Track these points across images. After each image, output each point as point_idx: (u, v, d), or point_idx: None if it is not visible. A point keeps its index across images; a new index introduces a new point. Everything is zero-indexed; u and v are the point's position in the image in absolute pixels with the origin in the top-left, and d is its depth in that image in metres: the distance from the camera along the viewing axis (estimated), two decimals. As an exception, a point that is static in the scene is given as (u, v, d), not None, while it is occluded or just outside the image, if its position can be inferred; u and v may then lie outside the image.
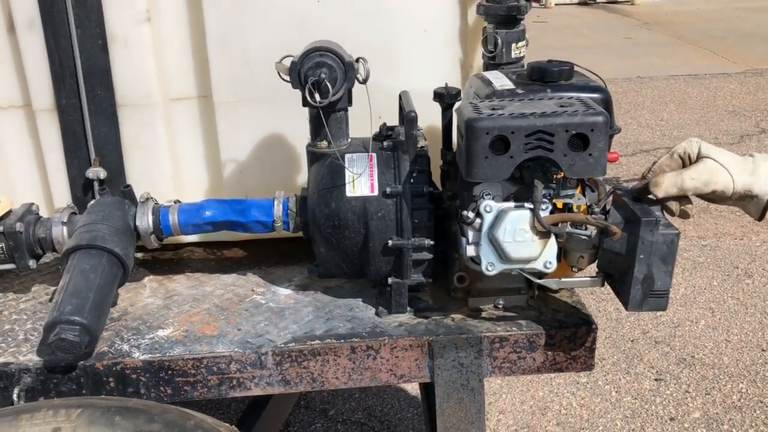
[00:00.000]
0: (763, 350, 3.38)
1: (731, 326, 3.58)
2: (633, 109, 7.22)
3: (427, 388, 2.07)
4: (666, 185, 1.41)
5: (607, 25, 12.07)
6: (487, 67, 1.82)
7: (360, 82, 1.55)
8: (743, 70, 8.58)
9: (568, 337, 1.54)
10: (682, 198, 1.45)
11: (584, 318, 1.58)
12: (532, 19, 12.01)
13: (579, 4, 14.43)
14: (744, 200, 1.44)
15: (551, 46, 9.62)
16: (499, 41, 1.77)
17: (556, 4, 14.05)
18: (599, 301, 3.76)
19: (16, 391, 1.45)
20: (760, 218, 1.45)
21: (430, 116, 1.70)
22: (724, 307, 3.75)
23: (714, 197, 1.45)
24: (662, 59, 9.30)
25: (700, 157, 1.45)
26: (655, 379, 3.20)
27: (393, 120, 1.70)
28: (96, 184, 1.77)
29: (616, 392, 3.13)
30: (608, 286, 1.50)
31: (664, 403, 3.05)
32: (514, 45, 1.79)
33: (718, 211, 4.76)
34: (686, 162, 1.48)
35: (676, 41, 10.51)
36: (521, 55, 1.83)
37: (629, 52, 9.77)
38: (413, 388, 3.15)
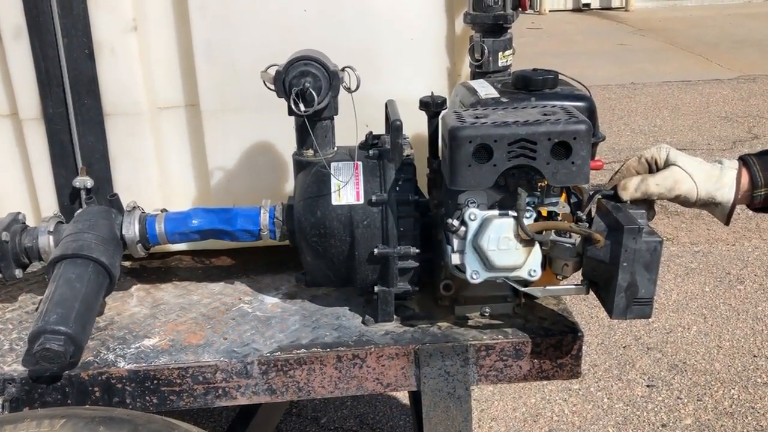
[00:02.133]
0: (755, 356, 3.39)
1: (723, 332, 3.59)
2: (626, 115, 7.25)
3: (416, 396, 2.07)
4: (631, 189, 1.48)
5: (601, 32, 12.13)
6: (474, 75, 1.83)
7: (350, 92, 1.56)
8: (736, 76, 8.62)
9: (554, 345, 1.54)
10: (650, 201, 1.51)
11: (570, 326, 1.58)
12: (526, 25, 12.08)
13: (573, 10, 14.50)
14: (708, 206, 1.50)
15: (545, 52, 9.65)
16: (486, 50, 1.77)
17: (550, 11, 14.11)
18: (592, 307, 3.77)
19: (0, 401, 1.44)
20: (727, 223, 1.49)
21: (417, 124, 1.70)
22: (716, 313, 3.76)
23: (678, 202, 1.51)
24: (656, 65, 9.34)
25: (667, 163, 1.50)
26: (647, 386, 3.20)
27: (381, 128, 1.70)
28: (83, 193, 1.77)
29: (608, 399, 3.13)
30: (594, 294, 1.51)
31: (656, 409, 3.05)
32: (500, 53, 1.79)
33: (710, 217, 4.76)
34: (653, 167, 1.53)
35: (670, 47, 10.56)
36: (508, 63, 1.83)
37: (623, 59, 9.81)
38: (405, 396, 3.15)
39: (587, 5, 14.49)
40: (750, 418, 2.97)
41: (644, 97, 7.88)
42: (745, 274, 4.13)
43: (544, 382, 3.19)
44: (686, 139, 6.44)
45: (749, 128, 6.71)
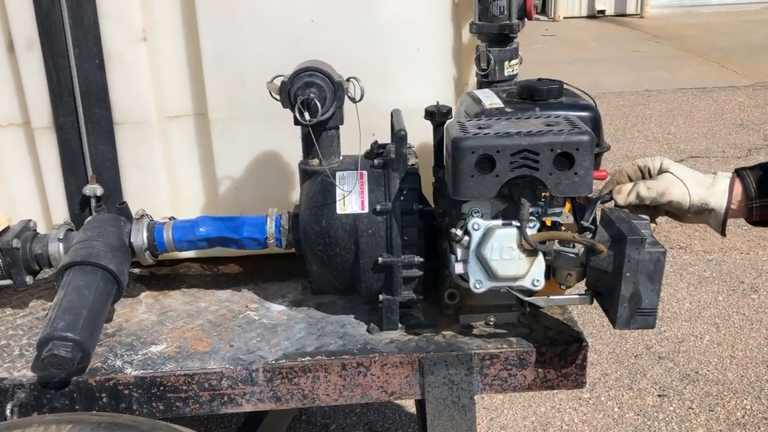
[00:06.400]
0: (769, 366, 3.35)
1: (736, 342, 3.55)
2: (640, 122, 7.21)
3: (422, 405, 2.07)
4: (624, 193, 1.54)
5: (616, 38, 12.06)
6: (481, 85, 1.84)
7: (354, 102, 1.57)
8: (752, 83, 8.54)
9: (559, 355, 1.54)
10: (646, 209, 1.54)
11: (575, 335, 1.58)
12: (540, 32, 12.05)
13: (588, 17, 14.44)
14: (703, 214, 1.52)
15: (559, 59, 9.62)
16: (492, 59, 1.78)
17: (564, 17, 14.06)
18: (603, 316, 3.73)
19: (9, 406, 1.46)
20: (723, 232, 1.49)
21: (424, 133, 1.71)
22: (729, 323, 3.72)
23: (672, 209, 1.53)
24: (670, 72, 9.28)
25: (660, 171, 1.55)
26: (659, 395, 3.18)
27: (388, 137, 1.71)
28: (93, 200, 1.79)
29: (619, 408, 3.11)
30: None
31: (667, 419, 3.03)
32: (506, 63, 1.80)
33: (724, 226, 4.72)
34: (646, 175, 1.58)
35: (685, 54, 10.49)
36: (514, 72, 1.84)
37: (637, 65, 9.75)
38: (414, 403, 3.15)
39: (602, 12, 14.42)
40: (763, 429, 2.94)
41: (659, 104, 7.83)
42: (759, 284, 4.09)
43: (554, 391, 3.17)
44: (701, 147, 6.40)
45: (765, 135, 6.65)
